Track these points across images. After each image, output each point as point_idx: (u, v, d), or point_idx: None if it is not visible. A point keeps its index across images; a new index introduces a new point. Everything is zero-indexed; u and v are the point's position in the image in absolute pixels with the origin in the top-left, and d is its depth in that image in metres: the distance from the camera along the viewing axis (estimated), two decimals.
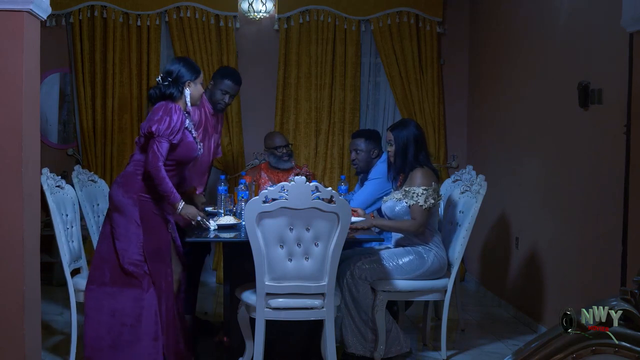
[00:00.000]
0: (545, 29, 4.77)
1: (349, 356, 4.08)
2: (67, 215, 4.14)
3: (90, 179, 4.55)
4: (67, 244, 4.04)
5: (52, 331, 4.69)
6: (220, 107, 4.71)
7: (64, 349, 4.13)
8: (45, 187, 3.87)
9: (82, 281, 4.02)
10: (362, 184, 4.88)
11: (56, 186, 4.09)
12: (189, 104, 3.88)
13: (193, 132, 3.90)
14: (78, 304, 4.03)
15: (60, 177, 4.19)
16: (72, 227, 4.19)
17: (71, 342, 4.00)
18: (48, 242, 5.52)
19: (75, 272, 4.18)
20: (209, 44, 6.20)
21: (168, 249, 3.85)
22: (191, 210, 3.80)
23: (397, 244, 4.23)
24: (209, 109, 4.67)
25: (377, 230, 4.18)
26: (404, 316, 4.72)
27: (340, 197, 3.57)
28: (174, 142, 3.73)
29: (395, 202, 4.10)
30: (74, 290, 3.99)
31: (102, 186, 4.68)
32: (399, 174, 4.20)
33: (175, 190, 3.74)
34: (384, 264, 4.05)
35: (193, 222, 3.81)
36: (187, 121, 3.86)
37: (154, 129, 3.69)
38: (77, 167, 4.47)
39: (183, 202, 3.77)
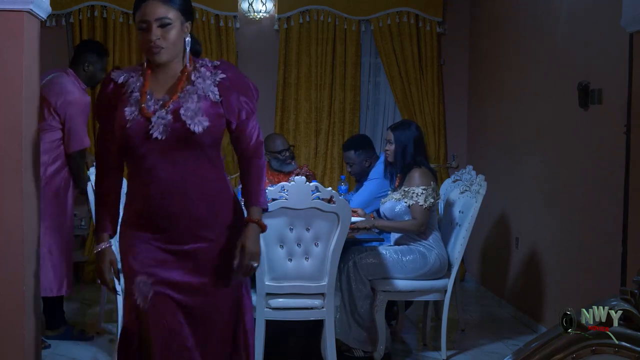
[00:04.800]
0: (545, 28, 4.77)
1: (348, 356, 4.08)
2: None
3: None
4: None
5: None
6: (94, 85, 4.42)
7: (64, 349, 4.12)
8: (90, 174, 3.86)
9: None
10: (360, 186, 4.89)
11: None
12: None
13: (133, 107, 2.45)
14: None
15: None
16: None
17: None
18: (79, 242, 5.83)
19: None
20: (209, 44, 6.19)
21: None
22: (105, 264, 2.48)
23: (397, 243, 4.23)
24: (82, 87, 4.36)
25: (377, 230, 4.19)
26: (404, 316, 4.73)
27: (340, 197, 3.58)
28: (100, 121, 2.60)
29: (394, 203, 4.11)
30: None
31: None
32: (396, 174, 4.21)
33: (106, 216, 2.53)
34: (387, 257, 4.05)
35: (98, 281, 2.53)
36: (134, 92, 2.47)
37: None
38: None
39: (109, 243, 2.51)
